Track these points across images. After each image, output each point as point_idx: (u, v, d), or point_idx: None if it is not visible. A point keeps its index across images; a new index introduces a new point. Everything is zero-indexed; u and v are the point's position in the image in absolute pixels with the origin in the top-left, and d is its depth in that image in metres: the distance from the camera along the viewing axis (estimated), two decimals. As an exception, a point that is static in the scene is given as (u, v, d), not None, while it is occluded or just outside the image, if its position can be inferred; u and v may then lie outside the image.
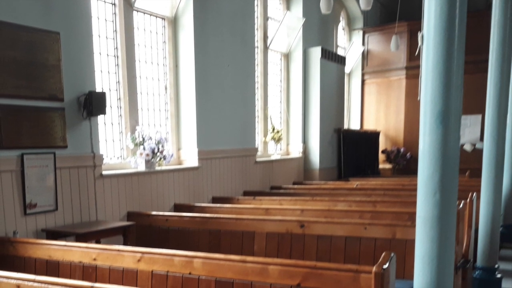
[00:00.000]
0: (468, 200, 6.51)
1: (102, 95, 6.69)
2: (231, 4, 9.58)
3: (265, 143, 11.71)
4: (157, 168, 7.87)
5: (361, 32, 16.28)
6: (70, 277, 5.02)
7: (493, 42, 6.88)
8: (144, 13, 8.17)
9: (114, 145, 7.64)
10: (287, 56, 12.74)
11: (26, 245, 5.45)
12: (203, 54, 8.80)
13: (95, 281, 4.78)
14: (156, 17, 8.44)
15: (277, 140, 11.66)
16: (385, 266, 3.57)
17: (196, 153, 8.74)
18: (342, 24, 15.97)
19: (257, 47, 11.17)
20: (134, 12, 7.89)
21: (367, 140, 15.52)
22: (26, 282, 3.82)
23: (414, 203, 3.74)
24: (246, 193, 10.17)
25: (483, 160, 7.04)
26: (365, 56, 16.41)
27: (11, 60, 5.66)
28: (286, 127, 12.79)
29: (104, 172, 6.97)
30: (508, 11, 6.76)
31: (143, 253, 4.75)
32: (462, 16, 3.34)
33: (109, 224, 6.52)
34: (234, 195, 9.69)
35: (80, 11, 6.53)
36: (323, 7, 10.45)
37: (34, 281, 3.79)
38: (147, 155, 7.51)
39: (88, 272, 5.01)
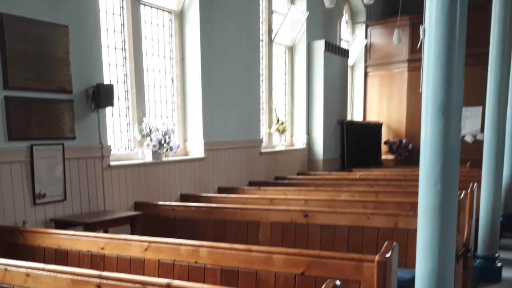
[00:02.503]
0: (469, 190, 6.50)
1: (110, 87, 6.67)
2: (237, -2, 9.57)
3: (270, 134, 11.69)
4: (164, 159, 7.86)
5: (364, 26, 16.23)
6: (79, 266, 5.02)
7: (493, 35, 6.86)
8: (151, 7, 8.14)
9: (122, 137, 7.62)
10: (291, 49, 12.70)
11: (35, 234, 5.44)
12: (209, 47, 8.78)
13: (103, 269, 4.78)
14: (163, 10, 8.41)
15: (282, 132, 11.65)
16: (388, 255, 3.57)
17: (202, 144, 8.73)
18: (345, 17, 15.91)
19: (262, 40, 11.13)
20: (141, 6, 7.86)
21: (369, 131, 15.50)
22: (35, 271, 3.81)
23: (416, 193, 3.73)
24: (251, 184, 10.16)
25: (484, 151, 7.03)
26: (368, 49, 16.37)
27: (20, 53, 5.65)
28: (291, 119, 12.76)
29: (112, 163, 6.97)
30: (508, 5, 6.74)
31: (150, 242, 4.74)
32: (463, 9, 3.33)
33: (116, 214, 6.52)
34: (239, 186, 9.68)
35: (88, 5, 6.51)
36: (327, 1, 10.40)
37: (43, 269, 3.78)
38: (154, 146, 7.50)
39: (96, 261, 5.01)
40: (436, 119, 3.37)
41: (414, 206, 5.93)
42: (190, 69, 8.69)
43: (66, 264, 5.07)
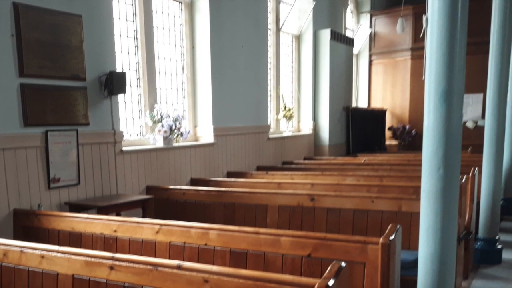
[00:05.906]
0: (470, 174, 6.48)
1: (122, 75, 6.65)
2: (245, -12, 9.51)
3: (277, 120, 11.66)
4: (175, 144, 7.85)
5: (368, 15, 16.15)
6: (92, 248, 5.02)
7: (494, 25, 6.83)
8: (162, -3, 8.12)
9: (134, 123, 7.61)
10: (298, 38, 12.63)
11: (50, 217, 5.46)
12: (218, 36, 8.74)
13: (116, 251, 4.79)
14: (174, 0, 8.37)
15: (289, 118, 11.62)
16: (391, 238, 3.55)
17: (212, 130, 8.71)
18: (350, 7, 15.82)
19: (270, 29, 11.07)
20: (152, -4, 7.84)
21: (374, 117, 15.45)
22: (50, 253, 3.81)
23: (419, 178, 3.71)
24: (259, 168, 10.15)
25: (485, 136, 7.01)
26: (372, 38, 16.31)
27: (36, 41, 5.63)
28: (297, 105, 12.73)
29: (124, 148, 6.96)
30: (509, -5, 6.70)
31: (161, 225, 4.74)
32: (465, -1, 3.30)
33: (129, 198, 6.51)
34: (248, 170, 9.67)
35: (100, -5, 6.50)
36: (333, -9, 10.35)
37: (57, 251, 3.78)
38: (165, 132, 7.49)
39: (109, 243, 5.01)
40: (438, 106, 3.35)
41: (417, 190, 5.92)
42: (200, 57, 8.65)
43: (80, 246, 5.09)
